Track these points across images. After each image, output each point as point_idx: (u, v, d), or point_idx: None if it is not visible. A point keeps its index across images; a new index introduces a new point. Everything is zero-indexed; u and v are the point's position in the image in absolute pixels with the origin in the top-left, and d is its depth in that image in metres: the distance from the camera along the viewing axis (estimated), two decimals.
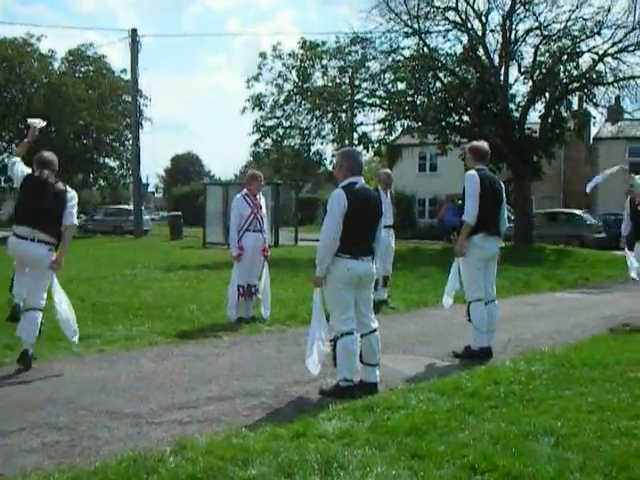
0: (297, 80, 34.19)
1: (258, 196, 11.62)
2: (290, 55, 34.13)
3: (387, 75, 31.79)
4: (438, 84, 31.57)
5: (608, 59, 28.96)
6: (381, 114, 32.63)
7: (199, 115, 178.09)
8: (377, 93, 32.50)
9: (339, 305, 7.25)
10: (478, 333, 8.88)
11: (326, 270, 7.19)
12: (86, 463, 5.12)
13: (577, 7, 28.51)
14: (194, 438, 5.60)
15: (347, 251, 7.13)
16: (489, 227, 8.86)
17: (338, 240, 7.08)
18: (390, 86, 32.17)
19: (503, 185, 9.33)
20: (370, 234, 7.38)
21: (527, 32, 29.96)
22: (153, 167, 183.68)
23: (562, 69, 29.83)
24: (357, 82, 33.27)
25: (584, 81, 29.76)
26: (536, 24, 29.48)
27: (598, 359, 8.34)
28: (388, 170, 14.24)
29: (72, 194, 8.55)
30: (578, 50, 29.47)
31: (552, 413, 6.19)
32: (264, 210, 11.65)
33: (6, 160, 48.94)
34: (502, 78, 30.15)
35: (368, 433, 5.65)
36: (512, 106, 31.00)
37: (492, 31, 30.52)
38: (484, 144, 9.33)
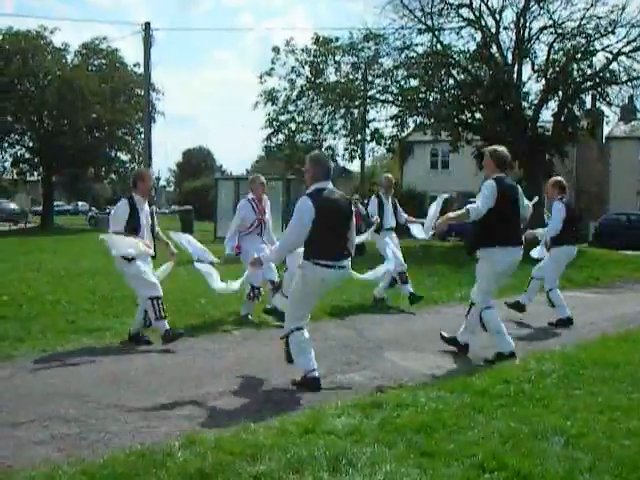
0: (310, 75, 34.19)
1: (263, 200, 11.53)
2: (303, 50, 34.12)
3: (400, 71, 31.81)
4: (451, 81, 31.56)
5: (622, 58, 28.92)
6: (393, 110, 32.69)
7: (211, 109, 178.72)
8: (390, 89, 32.51)
9: (301, 305, 7.44)
10: (500, 336, 8.79)
11: (301, 273, 7.31)
12: (95, 456, 5.12)
13: (592, 5, 28.51)
14: (203, 433, 5.60)
15: (322, 257, 7.17)
16: (511, 239, 8.71)
17: (293, 248, 7.35)
18: (403, 82, 32.19)
19: (520, 190, 9.14)
20: (343, 237, 7.41)
21: (541, 30, 29.90)
22: (165, 161, 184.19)
23: (576, 67, 29.77)
24: (370, 78, 33.27)
25: (598, 80, 29.69)
26: (550, 22, 29.46)
27: (609, 359, 8.30)
28: (389, 175, 14.25)
29: None
30: (592, 49, 29.41)
31: (562, 412, 6.16)
32: (268, 214, 11.54)
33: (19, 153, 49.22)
34: (515, 76, 30.11)
35: (377, 430, 5.64)
36: (525, 104, 30.96)
37: (506, 29, 30.52)
38: (505, 150, 9.04)
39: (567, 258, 11.89)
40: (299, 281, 7.34)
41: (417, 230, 11.30)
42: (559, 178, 12.06)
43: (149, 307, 9.11)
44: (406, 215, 13.39)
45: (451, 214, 8.55)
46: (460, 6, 30.15)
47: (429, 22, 30.03)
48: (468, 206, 8.46)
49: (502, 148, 9.10)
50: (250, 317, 11.27)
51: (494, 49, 30.40)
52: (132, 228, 9.16)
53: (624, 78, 29.25)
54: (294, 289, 7.46)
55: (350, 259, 7.44)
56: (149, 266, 9.31)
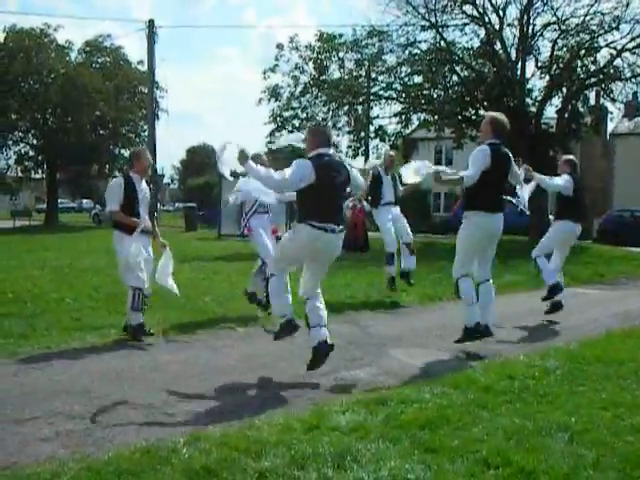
0: (314, 72, 34.18)
1: None
2: (307, 47, 34.11)
3: (404, 68, 31.79)
4: (455, 78, 31.54)
5: (626, 54, 28.85)
6: (397, 107, 32.67)
7: (214, 107, 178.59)
8: (393, 86, 32.50)
9: (286, 259, 7.70)
10: (469, 308, 8.80)
11: (293, 231, 7.59)
12: (100, 453, 5.13)
13: (595, 1, 28.44)
14: (208, 429, 5.62)
15: (318, 219, 7.25)
16: (492, 205, 8.72)
17: (276, 191, 7.83)
18: (407, 79, 32.17)
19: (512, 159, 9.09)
20: (339, 202, 7.59)
21: (545, 26, 29.85)
22: (168, 158, 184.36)
23: (580, 64, 29.74)
24: (374, 75, 33.23)
25: (602, 76, 29.65)
26: (554, 18, 29.38)
27: (613, 355, 8.30)
28: (392, 152, 14.49)
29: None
30: (596, 45, 29.35)
31: (566, 409, 6.17)
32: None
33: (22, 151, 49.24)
34: (519, 72, 30.08)
35: (381, 427, 5.65)
36: (529, 101, 30.93)
37: (509, 25, 30.48)
38: (504, 117, 9.04)
39: (566, 234, 11.56)
40: (288, 237, 7.60)
41: (405, 172, 10.85)
42: (571, 156, 11.90)
43: (129, 296, 9.22)
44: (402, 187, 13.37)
45: (445, 176, 8.41)
46: (464, 3, 30.10)
47: (433, 19, 29.99)
48: (461, 173, 8.42)
49: (502, 116, 9.08)
50: (260, 297, 11.34)
51: (498, 46, 30.37)
52: (129, 205, 9.27)
53: (628, 74, 29.20)
54: (281, 243, 7.82)
55: (342, 228, 7.53)
56: (146, 253, 9.41)
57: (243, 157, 7.19)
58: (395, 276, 13.25)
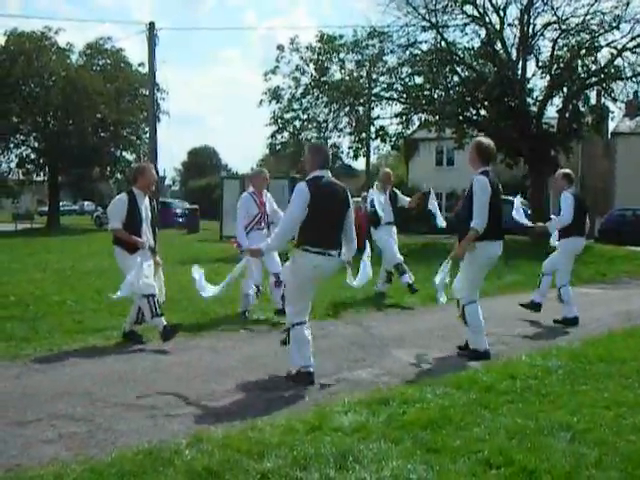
0: (314, 73, 34.16)
1: (264, 193, 11.56)
2: (308, 48, 34.09)
3: (404, 69, 31.76)
4: (455, 78, 31.52)
5: (627, 53, 28.83)
6: (398, 108, 32.63)
7: (216, 108, 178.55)
8: (394, 87, 32.46)
9: (298, 297, 7.48)
10: (479, 336, 8.74)
11: (292, 261, 7.42)
12: (103, 454, 5.15)
13: (596, 1, 28.42)
14: (210, 431, 5.63)
15: (313, 245, 7.22)
16: (496, 233, 8.69)
17: (293, 233, 7.32)
18: (407, 80, 32.14)
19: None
20: (337, 226, 7.49)
21: (545, 26, 29.83)
22: (170, 160, 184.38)
23: (580, 63, 29.70)
24: (374, 76, 33.20)
25: (602, 76, 29.62)
26: (554, 18, 29.36)
27: (615, 355, 8.32)
28: (388, 169, 14.50)
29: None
30: (596, 44, 29.33)
31: (568, 408, 6.19)
32: (270, 209, 11.52)
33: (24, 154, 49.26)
34: (520, 72, 30.06)
35: (384, 427, 5.66)
36: (529, 100, 30.90)
37: (510, 25, 30.47)
38: (491, 143, 8.86)
39: (575, 250, 11.62)
40: (290, 272, 7.48)
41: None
42: (567, 170, 11.93)
43: (144, 305, 9.15)
44: (407, 198, 13.56)
45: (464, 243, 8.59)
46: (464, 3, 30.08)
47: (433, 19, 29.97)
48: (474, 227, 8.39)
49: (488, 140, 8.97)
50: (247, 315, 11.30)
51: (498, 46, 30.35)
52: (132, 222, 9.24)
53: (629, 74, 29.16)
54: (287, 281, 7.67)
55: (340, 250, 7.48)
56: (148, 263, 9.31)
57: (258, 252, 7.62)
58: (412, 282, 13.36)
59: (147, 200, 9.56)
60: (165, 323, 9.22)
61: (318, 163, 7.47)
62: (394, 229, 13.62)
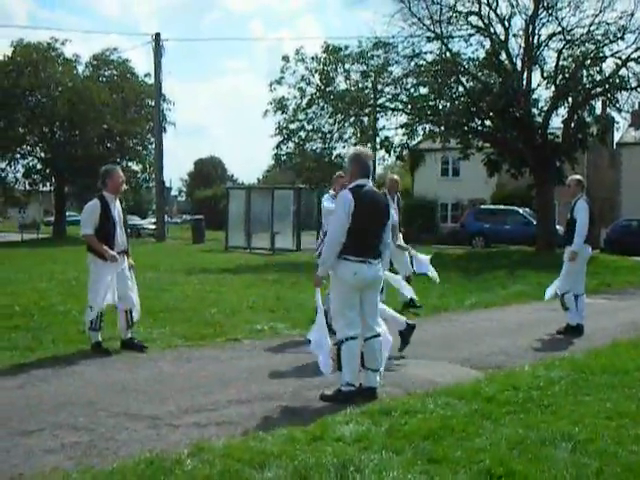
0: (320, 84, 34.19)
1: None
2: (313, 59, 34.15)
3: (409, 79, 31.76)
4: (460, 89, 31.52)
5: (631, 64, 28.80)
6: (403, 118, 32.64)
7: (222, 119, 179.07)
8: (399, 97, 32.47)
9: (344, 308, 7.23)
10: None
11: (330, 270, 7.26)
12: (104, 464, 5.16)
13: (600, 12, 28.39)
14: (212, 441, 5.64)
15: (354, 253, 7.14)
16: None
17: (342, 240, 7.10)
18: (412, 90, 32.14)
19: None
20: (378, 237, 7.39)
21: (550, 37, 29.84)
22: (176, 171, 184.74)
23: (585, 74, 29.70)
24: (379, 86, 33.23)
25: (607, 86, 29.60)
26: (559, 29, 29.38)
27: (618, 365, 8.30)
28: (395, 176, 14.27)
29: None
30: (601, 55, 29.32)
31: (570, 419, 6.18)
32: None
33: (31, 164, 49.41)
34: (525, 83, 30.06)
35: (385, 437, 5.66)
36: (535, 111, 30.90)
37: (515, 36, 30.49)
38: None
39: (585, 258, 11.52)
40: (334, 284, 7.35)
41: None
42: (580, 177, 11.82)
43: (87, 313, 9.27)
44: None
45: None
46: (469, 14, 30.14)
47: (438, 30, 30.01)
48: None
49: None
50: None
51: (503, 56, 30.37)
52: (105, 226, 9.25)
53: (634, 84, 29.14)
54: (332, 295, 7.46)
55: (380, 259, 7.42)
56: (122, 267, 9.40)
57: (319, 281, 7.52)
58: (412, 297, 13.19)
59: (118, 203, 9.57)
60: (99, 340, 9.35)
61: (359, 172, 7.38)
62: (400, 236, 13.32)
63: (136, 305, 9.59)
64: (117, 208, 9.50)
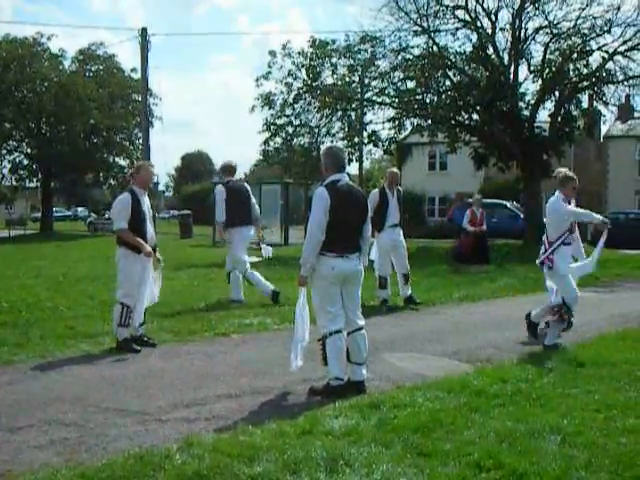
0: (307, 78, 34.21)
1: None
2: (300, 53, 34.16)
3: (397, 74, 31.83)
4: (447, 82, 31.60)
5: (618, 57, 28.99)
6: (391, 112, 32.71)
7: (209, 114, 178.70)
8: (387, 91, 32.53)
9: (325, 303, 7.22)
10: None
11: (311, 269, 7.18)
12: (93, 460, 5.16)
13: (587, 5, 28.57)
14: (201, 435, 5.64)
15: (331, 249, 7.11)
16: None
17: (322, 238, 7.06)
18: (400, 84, 32.20)
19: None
20: (355, 231, 7.37)
21: (537, 30, 29.97)
22: (163, 166, 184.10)
23: (572, 67, 29.84)
24: (367, 81, 33.30)
25: (594, 79, 29.75)
26: (546, 22, 29.52)
27: (606, 357, 8.33)
28: (395, 169, 14.14)
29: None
30: (588, 48, 29.45)
31: (559, 411, 6.20)
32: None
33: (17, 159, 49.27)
34: (512, 76, 30.17)
35: (374, 431, 5.67)
36: (522, 104, 31.00)
37: (502, 29, 30.61)
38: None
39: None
40: (314, 280, 7.27)
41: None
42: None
43: (117, 310, 9.13)
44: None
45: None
46: (456, 8, 30.21)
47: (425, 24, 30.09)
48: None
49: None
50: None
51: (490, 50, 30.46)
52: (137, 221, 9.13)
53: (620, 77, 29.30)
54: (313, 290, 7.37)
55: (359, 253, 7.38)
56: (148, 272, 9.29)
57: (304, 280, 7.26)
58: (388, 299, 13.16)
59: (147, 198, 9.47)
60: (127, 336, 9.20)
61: (333, 166, 7.35)
62: (399, 235, 13.22)
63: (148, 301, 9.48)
64: (146, 203, 9.41)
